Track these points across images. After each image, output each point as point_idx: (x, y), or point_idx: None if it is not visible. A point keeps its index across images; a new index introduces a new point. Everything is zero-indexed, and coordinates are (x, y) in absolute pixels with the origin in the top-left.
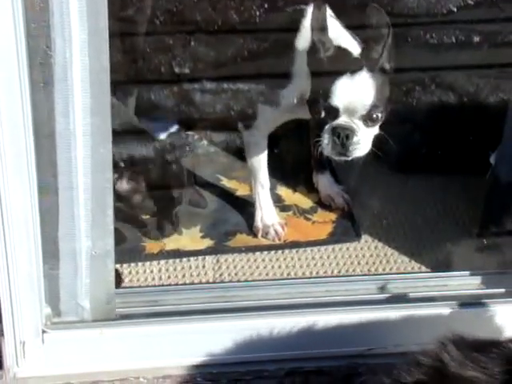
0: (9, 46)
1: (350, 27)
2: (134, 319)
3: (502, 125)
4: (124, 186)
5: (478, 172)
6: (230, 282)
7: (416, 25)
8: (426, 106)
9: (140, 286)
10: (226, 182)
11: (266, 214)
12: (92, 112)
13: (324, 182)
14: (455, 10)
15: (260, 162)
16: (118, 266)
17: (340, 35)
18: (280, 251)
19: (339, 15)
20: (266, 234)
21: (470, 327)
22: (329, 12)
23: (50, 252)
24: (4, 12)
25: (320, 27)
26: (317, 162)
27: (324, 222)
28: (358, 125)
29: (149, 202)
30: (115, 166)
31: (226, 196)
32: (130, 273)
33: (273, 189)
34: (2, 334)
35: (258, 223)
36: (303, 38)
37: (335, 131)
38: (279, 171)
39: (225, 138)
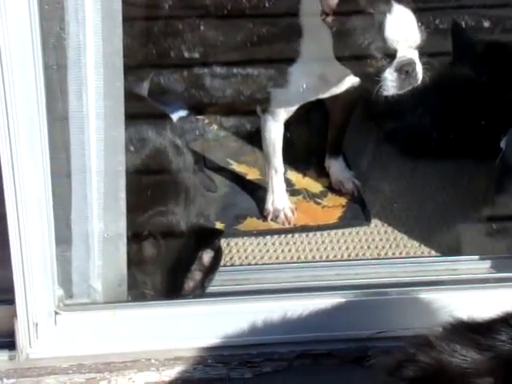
0: (23, 28)
1: None
2: (146, 301)
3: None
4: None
5: (488, 156)
6: (241, 265)
7: (425, 10)
8: (437, 91)
9: None
10: (236, 167)
11: (278, 198)
12: (105, 95)
13: (336, 166)
14: None
15: (275, 147)
16: None
17: None
18: (290, 235)
19: None
20: (275, 218)
21: (479, 311)
22: None
23: (63, 234)
24: None
25: None
26: (331, 147)
27: (334, 207)
28: (415, 55)
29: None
30: None
31: (236, 180)
32: None
33: (285, 172)
34: (16, 316)
35: (269, 206)
36: None
37: (402, 69)
38: (290, 155)
39: (235, 123)
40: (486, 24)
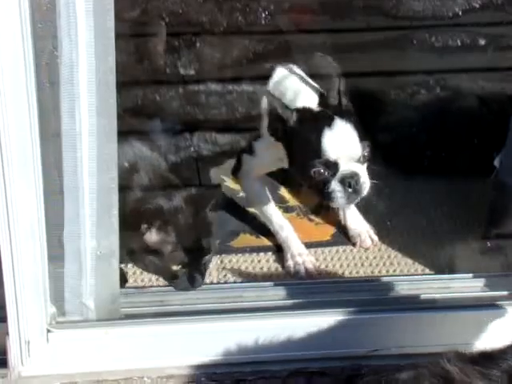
0: (16, 45)
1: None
2: (138, 319)
3: (507, 128)
4: (153, 237)
5: (482, 175)
6: (234, 282)
7: (422, 28)
8: (432, 109)
9: (145, 286)
10: (230, 183)
11: (296, 251)
12: (98, 112)
13: (352, 218)
14: (460, 13)
15: (265, 204)
16: (122, 265)
17: (298, 93)
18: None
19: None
20: (296, 274)
21: (473, 330)
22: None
23: (55, 252)
24: (11, 12)
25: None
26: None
27: (327, 224)
28: (358, 167)
29: (179, 253)
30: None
31: (228, 197)
32: (134, 273)
33: (276, 190)
34: (7, 333)
35: (289, 262)
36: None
37: (344, 181)
38: (283, 173)
39: (229, 140)
40: (482, 42)
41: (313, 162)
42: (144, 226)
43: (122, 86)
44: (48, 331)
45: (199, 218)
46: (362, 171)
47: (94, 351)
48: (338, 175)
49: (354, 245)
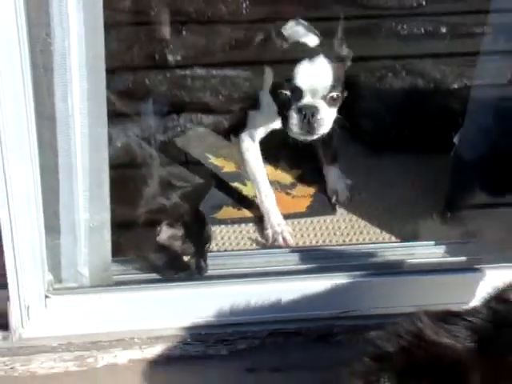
0: (11, 33)
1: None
2: (129, 285)
3: (464, 108)
4: (165, 235)
5: (443, 151)
6: (218, 251)
7: (388, 17)
8: (398, 91)
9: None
10: (214, 160)
11: (275, 221)
12: (89, 96)
13: (333, 175)
14: (424, 3)
15: (256, 170)
16: None
17: (299, 32)
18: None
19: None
20: (274, 242)
21: (434, 293)
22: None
23: (52, 224)
24: (6, 1)
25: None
26: (326, 156)
27: (303, 197)
28: (320, 104)
29: (188, 245)
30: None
31: (213, 172)
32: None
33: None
34: (8, 299)
35: (269, 231)
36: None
37: (301, 110)
38: (263, 151)
39: (212, 120)
40: (443, 30)
41: (282, 87)
42: (158, 228)
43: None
44: (46, 297)
45: (198, 212)
46: (324, 109)
47: (88, 315)
48: (299, 104)
49: (332, 207)
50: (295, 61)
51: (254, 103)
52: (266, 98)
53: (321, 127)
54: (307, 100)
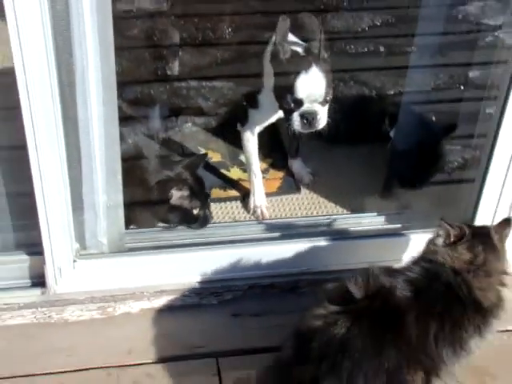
0: (42, 57)
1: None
2: (138, 251)
3: (398, 109)
4: (176, 197)
5: (382, 143)
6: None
7: (339, 39)
8: (347, 97)
9: (141, 228)
10: (205, 151)
11: (258, 198)
12: (104, 103)
13: (297, 165)
14: (367, 28)
15: (252, 154)
16: None
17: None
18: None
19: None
20: (254, 213)
21: (376, 253)
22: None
23: (77, 204)
24: (38, 30)
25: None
26: (291, 152)
27: (274, 179)
28: (317, 108)
29: (195, 201)
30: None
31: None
32: None
33: (238, 156)
34: (45, 263)
35: (251, 205)
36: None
37: (303, 116)
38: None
39: (203, 121)
40: (381, 49)
41: (286, 96)
42: (169, 193)
43: (128, 83)
44: (74, 261)
45: (197, 176)
46: (321, 111)
47: (107, 274)
48: (300, 110)
49: (297, 187)
50: (294, 71)
51: (253, 103)
52: (263, 99)
53: (319, 124)
54: (307, 107)
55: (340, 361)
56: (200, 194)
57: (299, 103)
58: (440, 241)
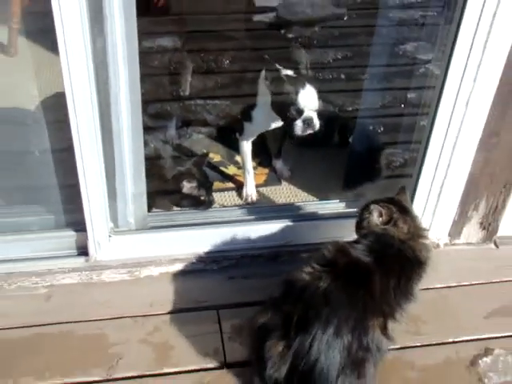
0: (85, 82)
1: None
2: (158, 229)
3: (355, 121)
4: (186, 187)
5: (343, 147)
6: (212, 208)
7: (311, 68)
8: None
9: (160, 211)
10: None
11: (249, 189)
12: (131, 117)
13: (279, 165)
14: (331, 60)
15: (247, 156)
16: None
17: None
18: (238, 191)
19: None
20: (246, 200)
21: (338, 231)
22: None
23: (111, 193)
24: (81, 63)
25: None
26: (275, 154)
27: (261, 174)
28: (313, 114)
29: (201, 190)
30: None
31: (208, 161)
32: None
33: (234, 157)
34: (87, 238)
35: (244, 194)
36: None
37: (305, 121)
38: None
39: (207, 130)
40: (342, 77)
41: (289, 109)
42: (181, 184)
43: (150, 101)
44: (109, 236)
45: (203, 171)
46: (315, 116)
47: (134, 247)
48: (302, 117)
49: (279, 180)
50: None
51: (248, 118)
52: (256, 115)
53: (315, 127)
54: (306, 114)
55: (322, 307)
56: (205, 184)
57: (301, 112)
58: (375, 218)
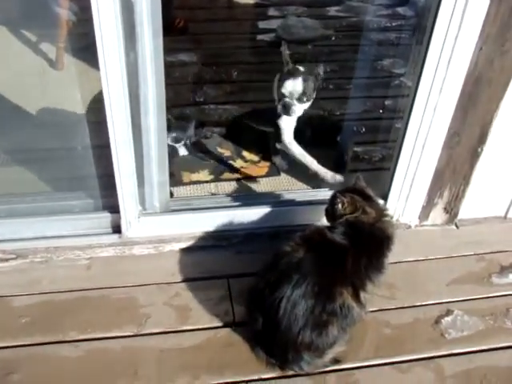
0: (119, 87)
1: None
2: (179, 211)
3: (343, 124)
4: None
5: (332, 145)
6: (223, 194)
7: None
8: (311, 116)
9: (180, 197)
10: (220, 149)
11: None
12: (157, 117)
13: (279, 159)
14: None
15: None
16: None
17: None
18: (245, 181)
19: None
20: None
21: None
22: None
23: (140, 182)
24: (116, 72)
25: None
26: (275, 151)
27: (264, 167)
28: (294, 102)
29: None
30: None
31: (219, 156)
32: (177, 191)
33: (241, 152)
34: (120, 218)
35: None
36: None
37: (284, 106)
38: (245, 145)
39: (219, 130)
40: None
41: (278, 94)
42: None
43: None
44: (138, 217)
45: None
46: (297, 104)
47: (159, 226)
48: (282, 102)
49: (279, 173)
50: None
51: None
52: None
53: (293, 113)
54: (286, 100)
55: (294, 272)
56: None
57: (283, 96)
58: (340, 207)
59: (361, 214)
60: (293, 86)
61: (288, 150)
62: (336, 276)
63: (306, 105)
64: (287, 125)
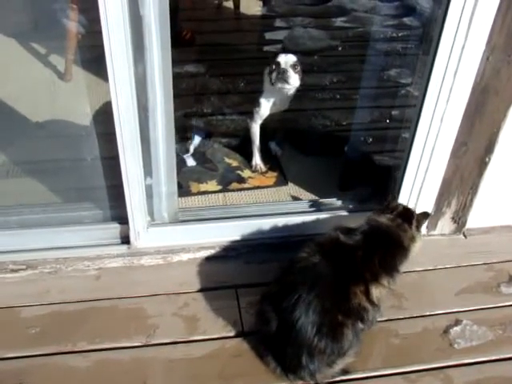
0: (128, 99)
1: None
2: (187, 222)
3: (350, 133)
4: None
5: (339, 155)
6: (231, 205)
7: (311, 90)
8: (317, 125)
9: (188, 207)
10: (227, 160)
11: (257, 160)
12: (166, 122)
13: (273, 145)
14: (328, 83)
15: (256, 135)
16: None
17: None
18: (252, 191)
19: None
20: (255, 169)
21: (337, 221)
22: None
23: (149, 192)
24: (125, 83)
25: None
26: (270, 137)
27: (271, 177)
28: (289, 69)
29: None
30: None
31: (227, 166)
32: (185, 201)
33: (250, 161)
34: (129, 229)
35: (253, 163)
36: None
37: (279, 73)
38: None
39: (226, 140)
40: (337, 96)
41: (272, 65)
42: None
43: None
44: (147, 228)
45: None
46: (291, 72)
47: (167, 236)
48: (278, 69)
49: (286, 183)
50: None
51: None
52: (262, 99)
53: (288, 79)
54: (282, 67)
55: (310, 275)
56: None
57: (278, 65)
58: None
59: (395, 224)
60: (286, 57)
61: (249, 123)
62: (348, 274)
63: (297, 80)
64: (265, 103)
